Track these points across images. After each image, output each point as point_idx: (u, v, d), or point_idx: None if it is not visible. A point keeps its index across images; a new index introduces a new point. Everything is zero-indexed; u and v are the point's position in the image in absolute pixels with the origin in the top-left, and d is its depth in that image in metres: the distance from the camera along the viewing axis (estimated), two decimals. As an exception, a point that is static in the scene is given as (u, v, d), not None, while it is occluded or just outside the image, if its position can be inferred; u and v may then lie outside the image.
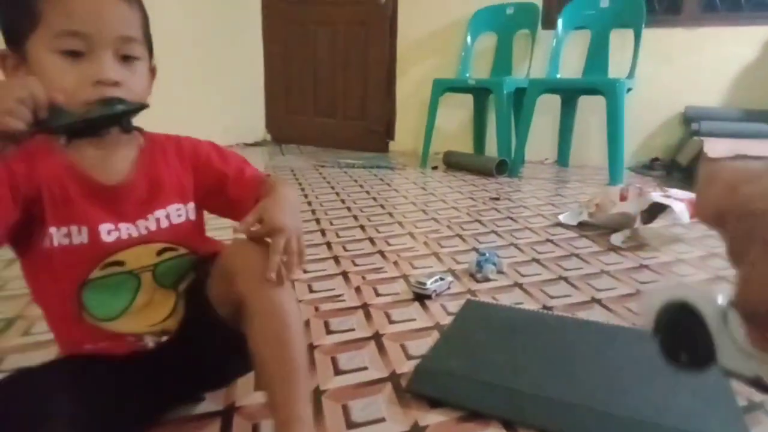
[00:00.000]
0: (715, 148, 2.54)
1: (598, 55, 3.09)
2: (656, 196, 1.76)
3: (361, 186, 2.66)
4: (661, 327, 0.47)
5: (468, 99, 3.46)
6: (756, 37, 2.94)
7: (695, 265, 1.57)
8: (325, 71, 3.97)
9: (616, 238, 1.73)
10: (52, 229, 0.66)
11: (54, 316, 0.75)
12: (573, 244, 1.74)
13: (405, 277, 1.42)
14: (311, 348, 1.03)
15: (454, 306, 1.23)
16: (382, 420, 0.82)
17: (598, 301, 1.28)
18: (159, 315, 0.76)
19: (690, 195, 1.77)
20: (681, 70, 3.08)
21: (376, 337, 1.08)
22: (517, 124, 3.06)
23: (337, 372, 0.95)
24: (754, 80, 2.96)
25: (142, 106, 0.67)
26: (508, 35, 3.36)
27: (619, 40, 2.99)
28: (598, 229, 1.89)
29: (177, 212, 0.75)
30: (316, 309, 1.21)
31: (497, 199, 2.40)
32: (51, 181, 0.65)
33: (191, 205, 0.77)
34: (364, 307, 1.23)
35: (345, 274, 1.43)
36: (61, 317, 0.74)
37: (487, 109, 3.45)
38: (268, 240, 0.68)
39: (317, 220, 1.99)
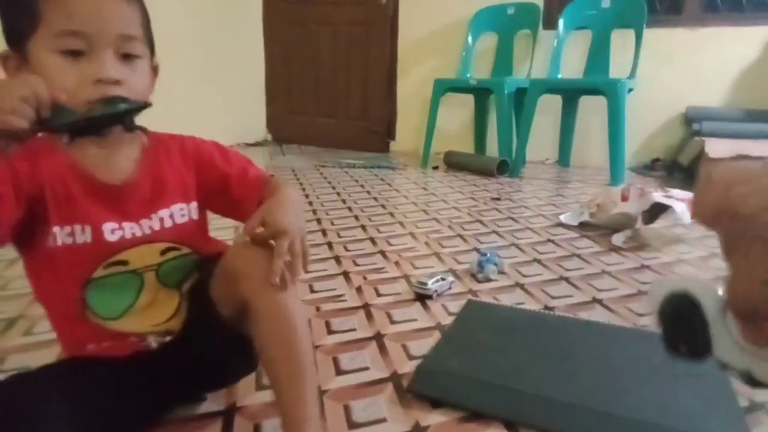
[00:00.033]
0: (717, 148, 2.54)
1: (599, 56, 3.09)
2: (657, 196, 1.75)
3: (362, 186, 2.66)
4: (663, 317, 0.47)
5: (469, 99, 3.46)
6: (757, 37, 2.94)
7: (696, 266, 1.57)
8: (325, 71, 3.97)
9: (618, 239, 1.73)
10: (56, 228, 0.66)
11: (57, 315, 0.75)
12: (574, 244, 1.74)
13: (406, 277, 1.42)
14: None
15: (456, 306, 1.23)
16: (384, 420, 0.82)
17: (600, 302, 1.28)
18: (163, 315, 0.76)
19: (691, 195, 1.77)
20: (682, 71, 3.08)
21: (378, 338, 1.08)
22: (518, 124, 3.06)
23: (339, 372, 0.96)
24: (756, 80, 2.96)
25: (145, 105, 0.66)
26: (509, 35, 3.35)
27: (620, 41, 2.99)
28: (599, 229, 1.89)
29: (180, 212, 0.75)
30: (318, 309, 1.21)
31: (498, 199, 2.40)
32: (54, 179, 0.65)
33: (194, 204, 0.77)
34: (366, 307, 1.23)
35: (346, 274, 1.44)
36: (64, 316, 0.74)
37: (488, 109, 3.45)
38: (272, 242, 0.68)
39: (318, 220, 1.99)
